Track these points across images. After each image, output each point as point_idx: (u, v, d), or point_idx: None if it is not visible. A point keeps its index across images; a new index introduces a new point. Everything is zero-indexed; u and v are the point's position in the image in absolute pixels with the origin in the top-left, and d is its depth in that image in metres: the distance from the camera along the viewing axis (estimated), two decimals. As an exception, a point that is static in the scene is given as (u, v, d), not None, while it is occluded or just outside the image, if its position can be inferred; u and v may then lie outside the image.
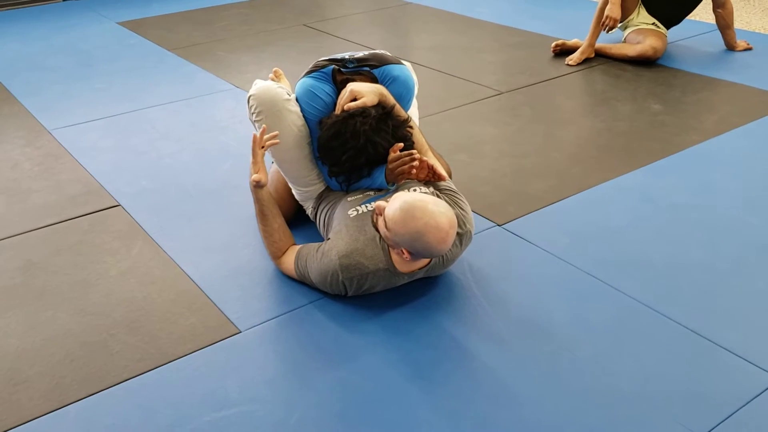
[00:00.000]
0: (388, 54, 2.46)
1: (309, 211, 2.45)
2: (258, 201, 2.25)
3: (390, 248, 2.04)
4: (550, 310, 2.10)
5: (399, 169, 2.18)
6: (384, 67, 2.38)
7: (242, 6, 5.71)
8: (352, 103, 2.20)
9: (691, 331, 1.99)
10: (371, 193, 2.24)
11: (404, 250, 1.96)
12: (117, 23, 5.33)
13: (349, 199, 2.24)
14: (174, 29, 5.12)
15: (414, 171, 2.19)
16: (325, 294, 2.17)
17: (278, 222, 2.27)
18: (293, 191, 2.46)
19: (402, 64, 2.44)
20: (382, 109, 2.20)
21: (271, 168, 2.62)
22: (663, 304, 2.10)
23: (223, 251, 2.43)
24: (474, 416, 1.73)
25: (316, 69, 2.39)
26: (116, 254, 2.44)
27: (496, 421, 1.72)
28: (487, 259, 2.34)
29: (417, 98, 2.73)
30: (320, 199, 2.38)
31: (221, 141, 3.29)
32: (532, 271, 2.29)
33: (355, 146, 2.15)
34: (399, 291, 2.17)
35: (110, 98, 3.84)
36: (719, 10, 4.16)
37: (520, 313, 2.09)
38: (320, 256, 2.10)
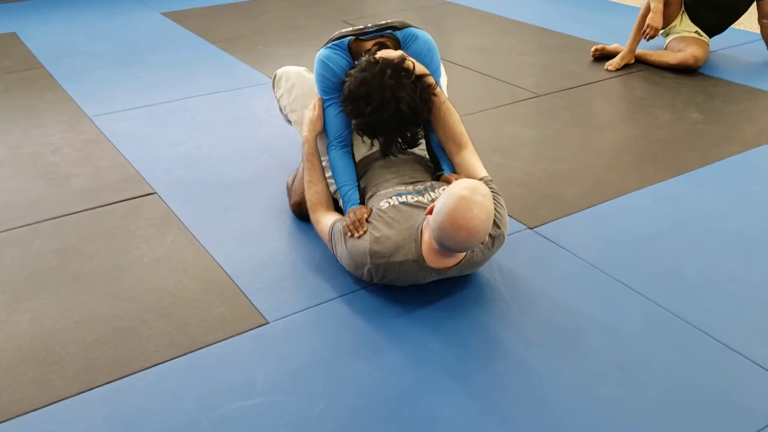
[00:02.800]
0: (410, 22, 2.47)
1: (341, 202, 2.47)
2: (309, 149, 2.37)
3: (422, 237, 2.03)
4: (579, 316, 2.09)
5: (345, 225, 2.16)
6: (407, 29, 2.41)
7: (284, 0, 5.75)
8: (384, 52, 2.22)
9: (722, 343, 1.97)
10: (402, 188, 2.25)
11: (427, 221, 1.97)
12: (161, 13, 5.40)
13: (380, 192, 2.26)
14: (217, 21, 5.18)
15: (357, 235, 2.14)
16: (353, 288, 2.19)
17: (321, 176, 2.37)
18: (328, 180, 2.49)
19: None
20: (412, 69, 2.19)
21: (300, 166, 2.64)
22: (694, 315, 2.08)
23: (255, 242, 2.46)
24: (498, 417, 1.73)
25: (333, 40, 2.41)
26: (150, 241, 2.48)
27: (521, 423, 1.71)
28: (517, 262, 2.33)
29: (451, 96, 2.73)
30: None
31: (258, 134, 3.33)
32: (563, 275, 2.28)
33: (380, 97, 2.12)
34: (428, 288, 2.17)
35: (151, 87, 3.90)
36: (765, 21, 4.09)
37: (549, 317, 2.08)
38: (352, 240, 2.12)
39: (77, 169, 2.99)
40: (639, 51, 4.17)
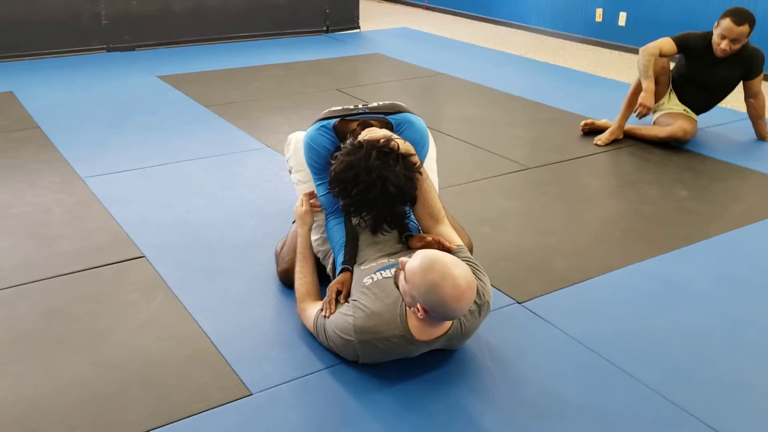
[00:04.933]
0: (404, 105, 2.51)
1: (329, 269, 2.50)
2: (302, 243, 2.42)
3: (407, 310, 2.03)
4: (566, 395, 2.07)
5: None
6: (401, 114, 2.44)
7: (280, 68, 5.85)
8: (371, 133, 2.24)
9: (710, 427, 1.95)
10: (384, 261, 2.26)
11: (420, 307, 1.94)
12: (157, 77, 5.48)
13: (363, 267, 2.26)
14: (212, 86, 5.25)
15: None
16: (339, 360, 2.17)
17: (312, 269, 2.40)
18: (314, 246, 2.51)
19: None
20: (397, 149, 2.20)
21: (291, 229, 2.65)
22: (681, 397, 2.07)
23: (242, 310, 2.45)
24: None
25: (321, 119, 2.45)
26: (136, 306, 2.46)
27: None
28: (504, 337, 2.33)
29: (440, 166, 2.78)
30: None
31: (249, 198, 3.34)
32: (550, 352, 2.27)
33: (366, 180, 2.13)
34: (415, 362, 2.16)
35: (144, 150, 3.93)
36: (751, 100, 4.18)
37: (535, 396, 2.06)
38: (337, 316, 2.12)
39: (67, 230, 2.99)
40: (628, 126, 4.25)
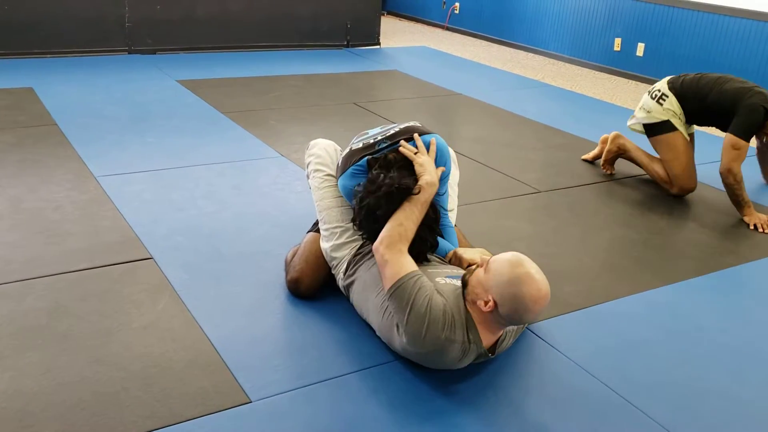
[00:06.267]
0: (419, 125, 2.53)
1: (338, 277, 2.49)
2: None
3: (472, 317, 2.06)
4: (567, 422, 2.06)
5: None
6: (421, 136, 2.46)
7: (299, 79, 5.88)
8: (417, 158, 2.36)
9: (708, 460, 1.94)
10: (448, 270, 2.33)
11: (492, 298, 1.99)
12: (177, 81, 5.52)
13: (429, 270, 2.29)
14: (231, 93, 5.28)
15: None
16: (343, 372, 2.17)
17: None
18: (326, 256, 2.52)
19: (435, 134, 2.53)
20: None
21: (304, 238, 2.66)
22: (681, 429, 2.05)
23: (247, 316, 2.45)
24: None
25: (352, 164, 2.47)
26: (141, 307, 2.47)
27: None
28: (506, 358, 2.32)
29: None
30: (355, 263, 2.43)
31: (260, 206, 3.36)
32: (552, 377, 2.26)
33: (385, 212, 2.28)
34: (417, 381, 2.16)
35: (160, 152, 3.95)
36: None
37: (535, 419, 2.06)
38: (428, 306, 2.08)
39: (77, 228, 3.01)
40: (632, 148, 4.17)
